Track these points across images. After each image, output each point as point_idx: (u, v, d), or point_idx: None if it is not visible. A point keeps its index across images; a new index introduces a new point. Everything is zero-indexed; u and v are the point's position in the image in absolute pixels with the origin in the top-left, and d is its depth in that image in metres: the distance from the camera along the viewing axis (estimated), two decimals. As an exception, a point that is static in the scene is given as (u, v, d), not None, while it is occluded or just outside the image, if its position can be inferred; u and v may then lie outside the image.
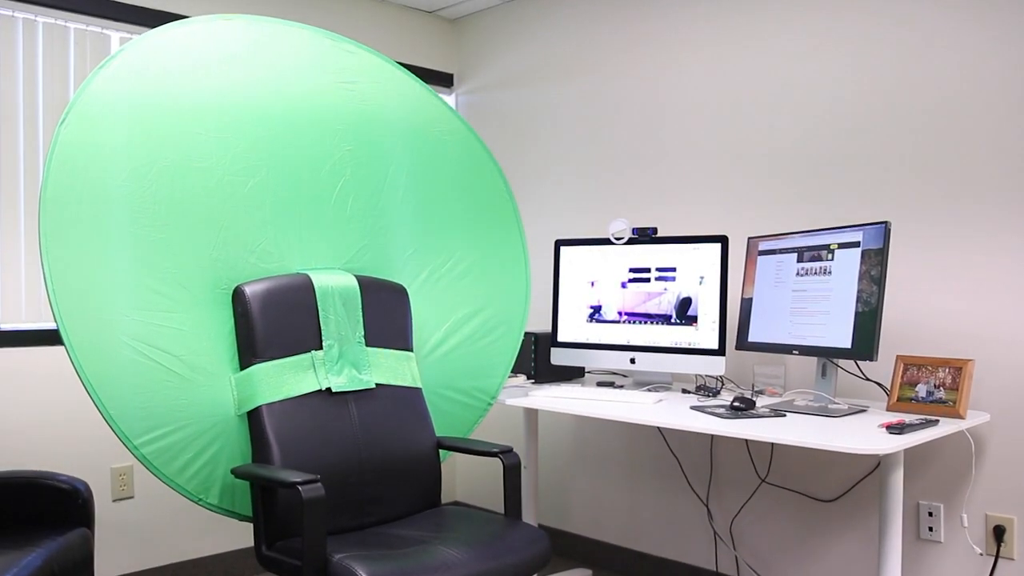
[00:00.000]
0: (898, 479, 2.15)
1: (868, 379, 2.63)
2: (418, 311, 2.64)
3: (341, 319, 2.41)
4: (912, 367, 2.44)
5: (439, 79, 4.12)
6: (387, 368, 2.47)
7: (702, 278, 2.87)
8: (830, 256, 2.52)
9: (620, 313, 3.02)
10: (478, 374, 2.74)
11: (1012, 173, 2.47)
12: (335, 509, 2.27)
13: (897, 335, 2.68)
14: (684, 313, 2.89)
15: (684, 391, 2.89)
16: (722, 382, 2.96)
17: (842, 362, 2.74)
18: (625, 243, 3.03)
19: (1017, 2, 2.46)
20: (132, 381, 2.09)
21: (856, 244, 2.44)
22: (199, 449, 2.18)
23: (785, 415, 2.37)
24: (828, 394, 2.52)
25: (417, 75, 2.78)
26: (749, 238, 2.84)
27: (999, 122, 2.49)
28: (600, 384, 3.05)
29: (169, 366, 2.15)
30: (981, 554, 2.51)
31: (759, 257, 2.78)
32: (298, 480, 1.98)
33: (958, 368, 2.34)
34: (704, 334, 2.85)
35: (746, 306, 2.79)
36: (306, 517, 1.95)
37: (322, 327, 2.37)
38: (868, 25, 2.75)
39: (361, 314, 2.45)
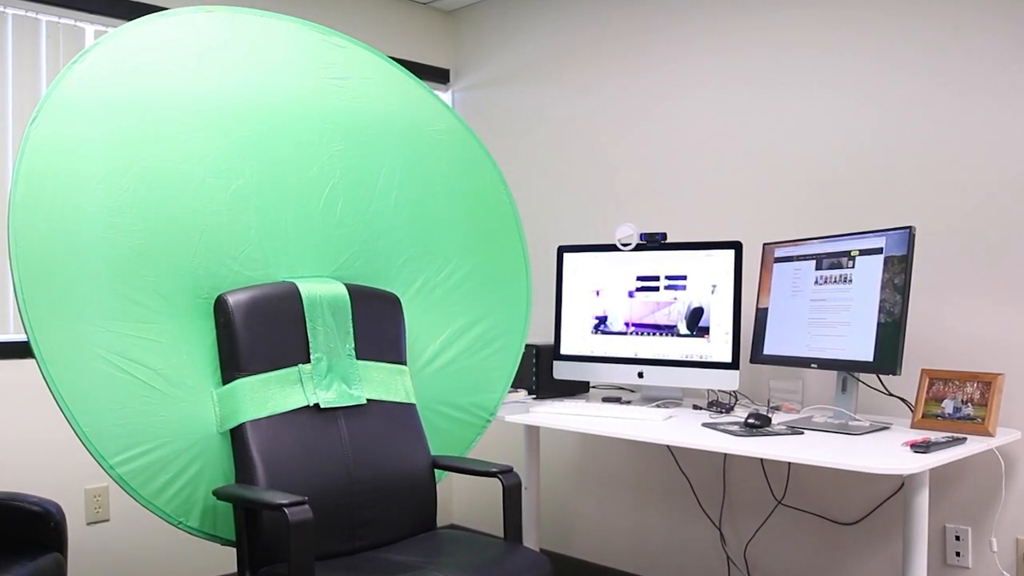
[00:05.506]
0: (923, 501, 2.15)
1: (891, 394, 2.63)
2: (412, 322, 2.64)
3: (330, 330, 2.41)
4: (938, 381, 2.44)
5: (434, 75, 4.14)
6: (379, 383, 2.47)
7: (714, 287, 2.87)
8: (851, 263, 2.53)
9: (627, 324, 3.02)
10: (476, 389, 2.74)
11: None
12: (324, 532, 2.26)
13: (922, 347, 2.69)
14: (695, 324, 2.89)
15: (695, 407, 2.89)
16: (736, 398, 2.97)
17: (863, 376, 2.74)
18: (632, 249, 3.03)
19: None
20: (107, 396, 2.09)
21: (879, 250, 2.44)
22: (179, 469, 2.18)
23: (803, 433, 2.37)
24: (848, 410, 2.52)
25: (411, 71, 2.79)
26: (764, 244, 2.84)
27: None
28: (606, 400, 3.05)
29: (147, 380, 2.15)
30: (1012, 581, 2.51)
31: (775, 264, 2.79)
32: (284, 502, 1.98)
33: (987, 383, 2.34)
34: (716, 346, 2.85)
35: (761, 316, 2.79)
36: (293, 541, 1.94)
37: (310, 339, 2.37)
38: (890, 23, 2.76)
39: (351, 325, 2.45)
